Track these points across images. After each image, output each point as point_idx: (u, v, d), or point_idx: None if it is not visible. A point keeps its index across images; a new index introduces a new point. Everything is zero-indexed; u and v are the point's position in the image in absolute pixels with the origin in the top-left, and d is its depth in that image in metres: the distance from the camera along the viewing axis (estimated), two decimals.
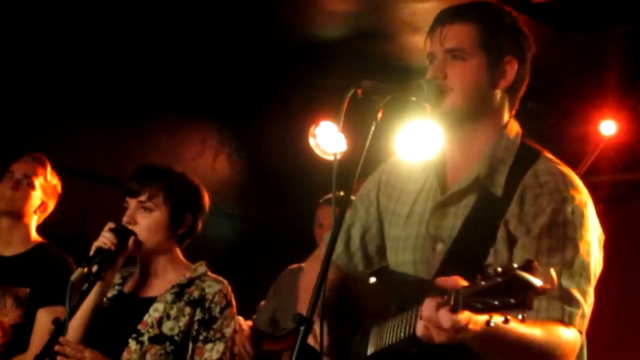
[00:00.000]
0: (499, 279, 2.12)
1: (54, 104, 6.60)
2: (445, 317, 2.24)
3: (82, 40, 6.63)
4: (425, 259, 2.86)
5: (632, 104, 7.12)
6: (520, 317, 2.14)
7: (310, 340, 2.56)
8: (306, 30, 6.78)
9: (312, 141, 7.55)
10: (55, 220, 6.09)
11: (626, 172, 7.46)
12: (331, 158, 6.87)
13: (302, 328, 2.38)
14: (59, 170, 5.60)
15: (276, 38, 6.93)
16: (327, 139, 7.42)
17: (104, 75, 6.86)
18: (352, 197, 3.19)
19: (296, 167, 7.54)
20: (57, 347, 3.49)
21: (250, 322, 5.48)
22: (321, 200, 5.75)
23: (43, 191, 4.84)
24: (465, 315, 2.23)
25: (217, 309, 3.74)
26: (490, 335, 2.36)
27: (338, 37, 6.78)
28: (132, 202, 3.78)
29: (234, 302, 3.82)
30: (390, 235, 3.04)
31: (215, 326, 3.71)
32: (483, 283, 2.15)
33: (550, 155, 2.88)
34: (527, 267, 2.10)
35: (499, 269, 2.12)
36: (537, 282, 2.09)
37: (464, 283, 2.23)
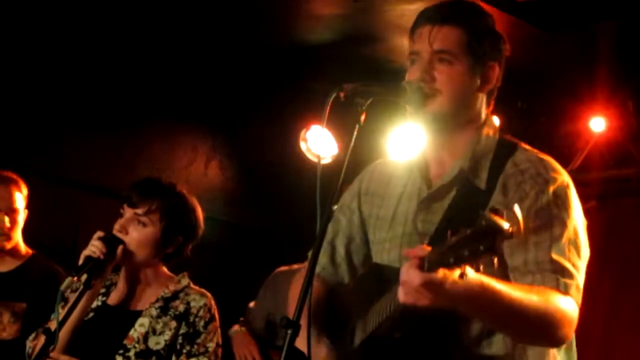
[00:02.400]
0: (468, 231, 2.17)
1: (44, 114, 6.60)
2: (414, 274, 2.30)
3: (74, 50, 6.63)
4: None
5: (621, 100, 7.13)
6: (495, 262, 2.18)
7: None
8: (295, 35, 6.79)
9: (303, 145, 7.56)
10: (48, 230, 6.10)
11: (617, 168, 7.47)
12: (323, 161, 6.90)
13: (289, 331, 2.39)
14: (51, 181, 5.60)
15: (265, 43, 6.94)
16: (318, 143, 7.42)
17: (95, 84, 6.86)
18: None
19: (288, 172, 7.55)
20: None
21: (239, 327, 5.45)
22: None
23: (23, 203, 4.84)
24: (439, 274, 2.27)
25: (202, 323, 3.75)
26: (481, 298, 2.41)
27: (327, 40, 6.79)
28: (128, 212, 3.77)
29: (217, 316, 3.83)
30: (376, 239, 3.06)
31: (199, 340, 3.72)
32: (453, 238, 2.20)
33: (527, 146, 2.93)
34: (494, 212, 2.14)
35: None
36: (505, 224, 2.13)
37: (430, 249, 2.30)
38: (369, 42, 6.69)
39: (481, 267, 2.24)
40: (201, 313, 3.76)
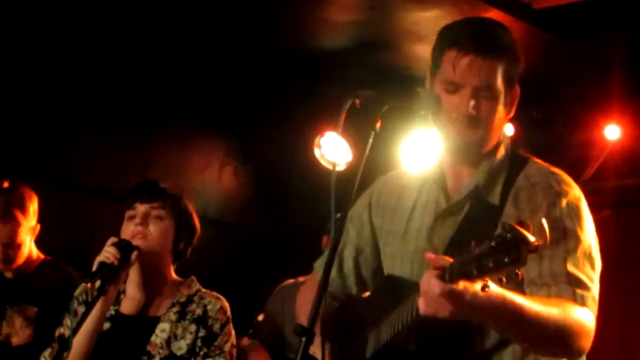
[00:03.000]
0: (492, 242, 2.16)
1: (58, 120, 6.61)
2: (435, 284, 2.30)
3: (86, 55, 6.64)
4: (424, 272, 2.85)
5: (636, 108, 7.12)
6: (518, 273, 2.19)
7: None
8: (309, 41, 6.80)
9: (317, 152, 7.56)
10: (63, 236, 6.11)
11: (632, 177, 7.45)
12: (337, 168, 6.89)
13: (303, 339, 2.39)
14: (65, 187, 5.58)
15: (280, 49, 6.94)
16: (333, 150, 7.43)
17: (108, 89, 6.88)
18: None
19: (302, 178, 7.55)
20: None
21: (247, 340, 5.46)
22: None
23: (29, 226, 4.79)
24: (460, 285, 2.28)
25: (218, 325, 3.78)
26: (502, 311, 2.41)
27: (341, 47, 6.79)
28: (143, 208, 3.79)
29: (230, 318, 3.87)
30: (388, 253, 3.05)
31: (216, 343, 3.75)
32: (477, 250, 2.20)
33: (538, 160, 2.93)
34: (520, 224, 2.14)
35: (494, 234, 2.17)
36: (530, 237, 2.12)
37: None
38: (384, 48, 6.69)
39: (504, 280, 2.23)
40: (218, 316, 3.79)
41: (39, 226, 4.86)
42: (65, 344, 3.44)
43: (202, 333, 3.75)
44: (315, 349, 2.54)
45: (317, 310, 2.44)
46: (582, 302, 2.65)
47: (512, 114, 2.91)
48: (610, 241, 6.75)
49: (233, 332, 3.86)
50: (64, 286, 4.55)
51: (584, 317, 2.64)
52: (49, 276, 4.76)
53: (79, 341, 3.56)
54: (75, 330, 3.48)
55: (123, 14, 6.34)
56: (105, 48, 6.68)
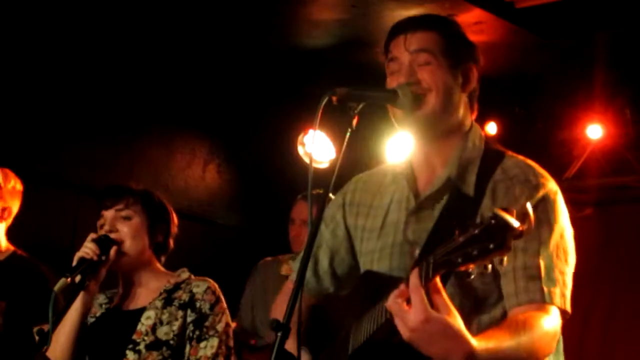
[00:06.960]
0: (476, 230, 2.16)
1: (43, 117, 6.61)
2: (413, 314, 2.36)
3: (72, 54, 6.64)
4: (403, 266, 2.84)
5: (618, 107, 7.16)
6: (503, 260, 2.21)
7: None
8: (293, 39, 6.81)
9: (300, 149, 7.57)
10: (45, 233, 6.11)
11: (613, 176, 7.49)
12: (320, 166, 6.91)
13: (279, 334, 2.38)
14: (48, 183, 5.55)
15: (263, 47, 6.95)
16: (316, 147, 7.43)
17: (94, 89, 6.88)
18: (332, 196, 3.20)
19: (285, 176, 7.56)
20: None
21: (234, 324, 5.49)
22: (298, 196, 5.80)
23: (1, 199, 4.75)
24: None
25: (207, 306, 3.77)
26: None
27: (325, 45, 6.81)
28: (109, 214, 3.83)
29: (222, 298, 3.85)
30: (364, 250, 3.04)
31: (207, 323, 3.74)
32: (461, 238, 2.20)
33: (513, 153, 2.93)
34: (504, 210, 2.15)
35: (477, 221, 2.17)
36: (515, 222, 2.13)
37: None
38: (367, 47, 6.71)
39: (489, 267, 2.24)
40: (205, 297, 3.79)
41: (15, 210, 4.80)
42: (45, 337, 3.45)
43: (191, 317, 3.75)
44: (292, 346, 2.53)
45: (292, 305, 2.44)
46: (550, 300, 2.66)
47: (468, 90, 2.91)
48: (592, 239, 6.79)
49: (227, 312, 3.84)
50: (36, 281, 4.52)
51: (549, 325, 2.64)
52: (18, 270, 4.69)
53: (61, 335, 3.58)
54: (55, 325, 3.48)
55: (109, 17, 6.34)
56: (93, 50, 6.69)
